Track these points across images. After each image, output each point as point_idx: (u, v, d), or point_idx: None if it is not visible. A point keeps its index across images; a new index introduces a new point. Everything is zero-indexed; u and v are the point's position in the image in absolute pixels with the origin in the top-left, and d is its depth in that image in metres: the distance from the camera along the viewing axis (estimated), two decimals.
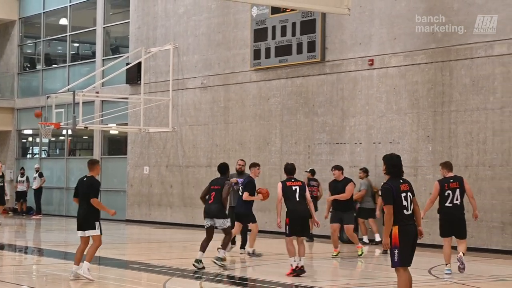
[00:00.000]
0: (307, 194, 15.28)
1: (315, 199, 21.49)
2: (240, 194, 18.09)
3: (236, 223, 18.09)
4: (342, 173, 18.33)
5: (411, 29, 21.47)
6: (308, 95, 24.10)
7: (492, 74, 19.75)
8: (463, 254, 15.28)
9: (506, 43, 19.47)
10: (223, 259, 16.25)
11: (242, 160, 19.87)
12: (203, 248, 16.00)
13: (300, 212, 15.04)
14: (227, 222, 16.24)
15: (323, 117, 23.63)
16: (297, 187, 15.13)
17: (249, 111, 25.84)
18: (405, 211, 10.84)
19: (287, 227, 14.95)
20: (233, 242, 18.85)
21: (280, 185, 15.23)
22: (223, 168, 16.80)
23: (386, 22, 22.12)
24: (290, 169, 15.45)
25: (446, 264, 15.54)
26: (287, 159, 22.66)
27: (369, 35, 22.57)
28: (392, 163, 11.14)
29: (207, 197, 16.38)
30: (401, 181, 11.04)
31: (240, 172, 19.21)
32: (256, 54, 25.49)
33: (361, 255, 18.30)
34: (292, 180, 15.29)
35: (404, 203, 10.87)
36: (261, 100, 25.48)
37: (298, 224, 14.98)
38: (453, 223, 15.53)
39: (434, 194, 15.66)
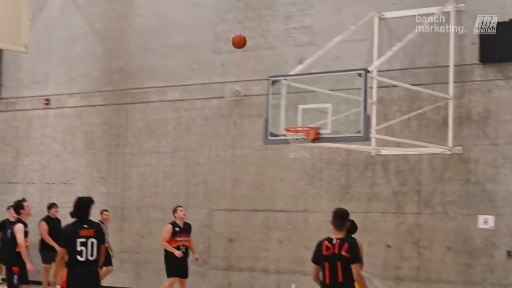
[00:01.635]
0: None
1: None
2: None
3: None
4: None
5: (88, 70, 21.57)
6: None
7: (165, 119, 20.33)
8: None
9: (178, 89, 20.17)
10: None
11: None
12: None
13: None
14: None
15: None
16: None
17: None
18: (78, 256, 10.81)
19: None
20: None
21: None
22: None
23: (64, 62, 22.03)
24: None
25: None
26: None
27: (47, 74, 22.35)
28: (78, 207, 11.13)
29: None
30: (85, 225, 11.00)
31: None
32: None
33: None
34: None
35: (80, 248, 10.84)
36: None
37: None
38: (180, 264, 16.62)
39: (166, 236, 16.52)
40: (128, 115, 20.94)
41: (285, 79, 15.44)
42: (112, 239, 20.81)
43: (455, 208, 16.59)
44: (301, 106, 15.41)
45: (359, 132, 14.45)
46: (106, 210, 18.88)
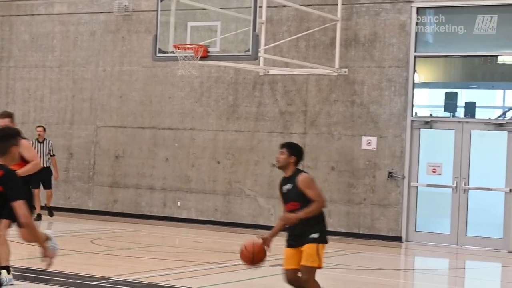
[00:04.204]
0: None
1: None
2: None
3: None
4: None
5: None
6: None
7: (52, 32, 19.85)
8: None
9: (66, 2, 19.67)
10: None
11: None
12: None
13: None
14: None
15: None
16: None
17: None
18: None
19: None
20: None
21: None
22: None
23: None
24: None
25: None
26: None
27: None
28: None
29: None
30: None
31: None
32: None
33: None
34: None
35: None
36: None
37: None
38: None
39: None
40: (12, 27, 20.34)
41: None
42: None
43: (340, 128, 16.87)
44: (190, 24, 15.28)
45: (247, 51, 14.47)
46: (40, 126, 18.33)
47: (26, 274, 11.20)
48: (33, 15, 20.10)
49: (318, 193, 8.27)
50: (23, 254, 13.51)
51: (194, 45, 14.71)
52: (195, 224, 17.54)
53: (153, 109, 18.68)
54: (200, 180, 18.12)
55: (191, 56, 14.63)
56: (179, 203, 18.35)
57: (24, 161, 9.62)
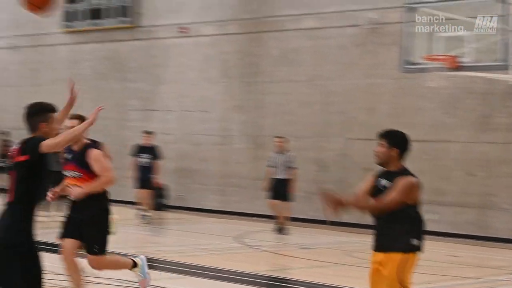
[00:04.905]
0: None
1: None
2: None
3: None
4: None
5: None
6: (120, 61, 23.88)
7: (301, 47, 20.29)
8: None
9: (315, 17, 20.03)
10: None
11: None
12: None
13: None
14: None
15: (135, 83, 23.52)
16: None
17: (60, 75, 25.21)
18: None
19: None
20: None
21: None
22: None
23: None
24: None
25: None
26: (98, 125, 22.42)
27: (182, 3, 22.58)
28: None
29: None
30: None
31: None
32: (69, 16, 24.90)
33: None
34: None
35: None
36: (73, 64, 24.97)
37: None
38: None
39: None
40: (262, 43, 20.99)
41: (421, 6, 15.17)
42: (247, 166, 21.11)
43: None
44: (437, 34, 15.13)
45: (498, 60, 14.14)
46: (279, 137, 18.27)
47: (272, 283, 11.51)
48: (282, 30, 20.63)
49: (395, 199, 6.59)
50: (270, 264, 13.93)
51: (445, 56, 14.56)
52: (446, 238, 17.24)
53: (402, 121, 18.53)
54: (453, 192, 17.80)
55: (442, 67, 14.48)
56: (433, 216, 18.11)
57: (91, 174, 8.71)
